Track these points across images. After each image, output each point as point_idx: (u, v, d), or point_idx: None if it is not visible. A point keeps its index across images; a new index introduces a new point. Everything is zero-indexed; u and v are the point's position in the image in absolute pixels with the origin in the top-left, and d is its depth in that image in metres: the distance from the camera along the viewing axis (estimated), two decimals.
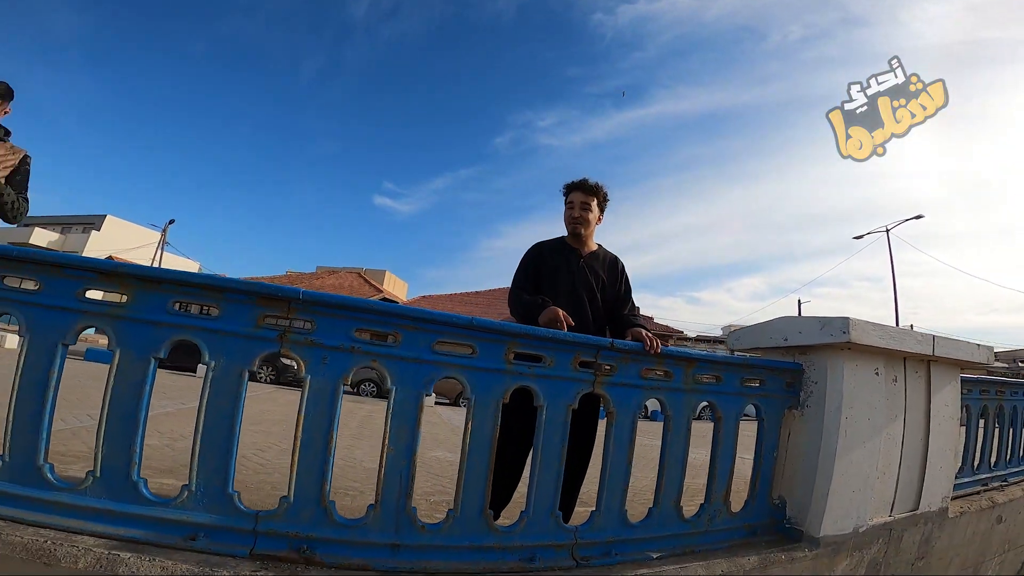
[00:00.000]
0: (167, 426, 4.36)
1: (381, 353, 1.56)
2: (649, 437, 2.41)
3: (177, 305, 1.49)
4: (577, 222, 2.47)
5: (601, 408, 1.91)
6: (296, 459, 1.52)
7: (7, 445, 1.48)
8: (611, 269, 2.53)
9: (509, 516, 1.89)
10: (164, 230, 31.05)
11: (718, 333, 33.71)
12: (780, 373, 2.17)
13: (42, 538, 1.40)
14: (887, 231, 22.59)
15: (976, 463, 3.29)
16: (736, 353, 2.45)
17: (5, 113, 2.55)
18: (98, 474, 1.48)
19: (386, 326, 1.57)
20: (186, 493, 1.50)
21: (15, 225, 2.67)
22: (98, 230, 37.45)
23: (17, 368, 1.46)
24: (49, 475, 1.48)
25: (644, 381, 1.85)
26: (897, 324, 22.34)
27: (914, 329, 2.87)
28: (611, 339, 1.86)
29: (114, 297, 1.47)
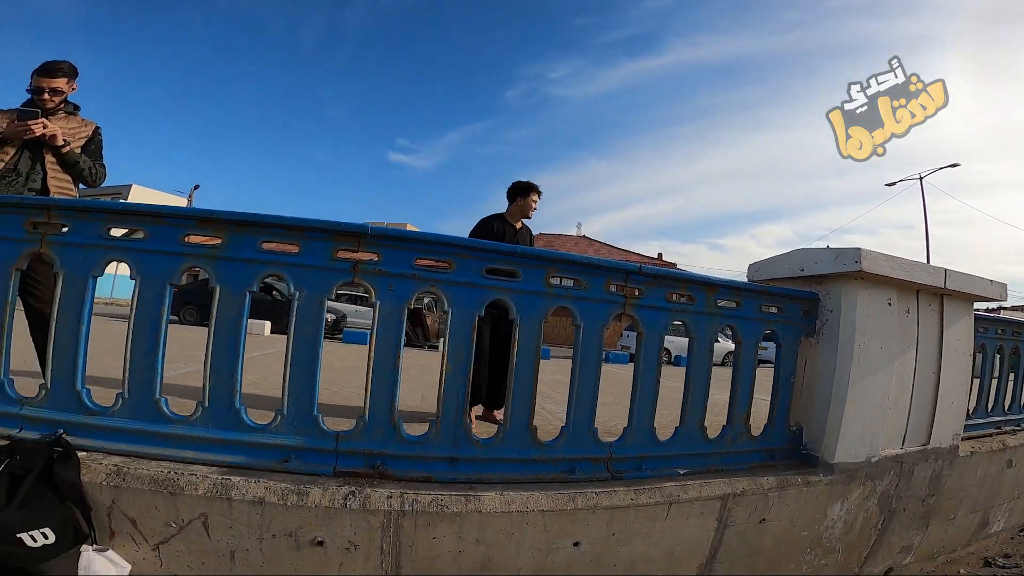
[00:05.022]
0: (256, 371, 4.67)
1: (439, 279, 1.83)
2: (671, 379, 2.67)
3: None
4: (529, 214, 3.86)
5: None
6: (370, 379, 1.80)
7: (126, 383, 1.78)
8: (531, 236, 3.99)
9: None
10: (190, 196, 31.75)
11: (743, 279, 34.40)
12: (797, 301, 2.43)
13: (165, 469, 1.69)
14: (920, 178, 23.01)
15: (990, 405, 3.53)
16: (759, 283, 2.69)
17: (72, 89, 2.86)
18: (206, 404, 1.78)
19: (443, 255, 1.83)
20: (279, 418, 1.80)
21: (94, 188, 3.00)
22: (125, 199, 38.38)
23: (131, 312, 1.76)
24: (165, 408, 1.78)
25: (670, 304, 2.11)
26: None
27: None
28: (639, 264, 2.10)
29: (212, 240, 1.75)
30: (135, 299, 1.80)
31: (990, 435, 3.48)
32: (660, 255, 35.15)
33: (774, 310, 2.37)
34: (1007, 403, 3.66)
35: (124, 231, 1.87)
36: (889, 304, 2.41)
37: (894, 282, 2.40)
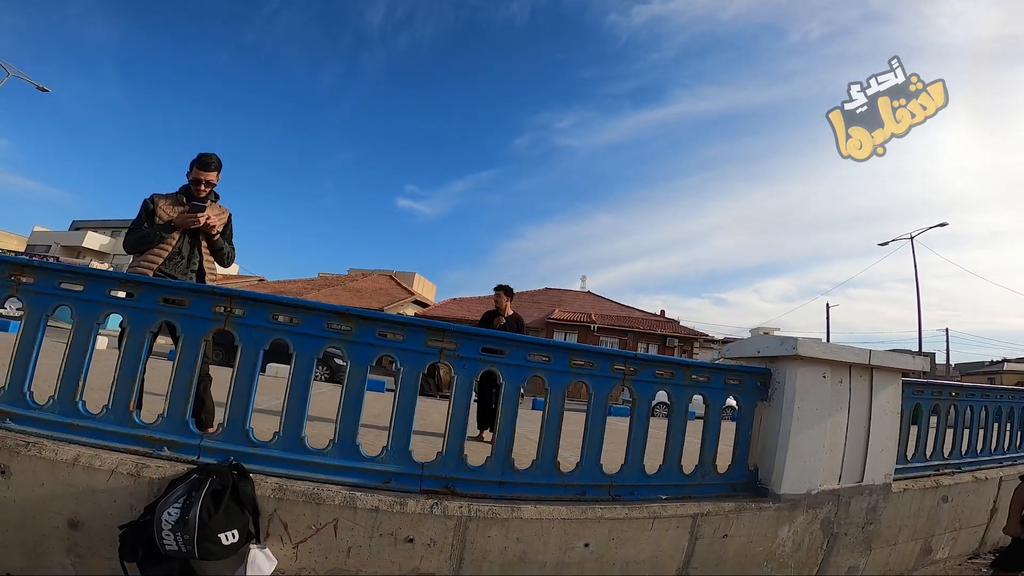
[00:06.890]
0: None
1: (496, 361, 2.73)
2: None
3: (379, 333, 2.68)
4: (504, 311, 5.97)
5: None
6: (448, 426, 2.69)
7: (281, 425, 2.58)
8: (518, 324, 6.00)
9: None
10: None
11: (746, 335, 34.74)
12: (754, 376, 3.31)
13: (311, 487, 2.45)
14: (911, 238, 23.86)
15: (930, 452, 4.34)
16: (728, 360, 3.58)
17: (218, 180, 3.46)
18: (336, 441, 2.60)
19: (500, 344, 2.75)
20: (384, 452, 2.63)
21: (226, 268, 3.67)
22: None
23: (289, 376, 2.62)
24: (307, 443, 2.58)
25: (656, 379, 3.00)
26: (920, 328, 23.60)
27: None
28: (635, 351, 2.99)
29: (345, 327, 2.66)
30: (292, 368, 2.61)
31: (928, 476, 4.28)
32: (663, 312, 36.49)
33: (736, 382, 3.26)
34: (946, 450, 4.47)
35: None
36: (824, 377, 3.28)
37: (828, 361, 3.27)
